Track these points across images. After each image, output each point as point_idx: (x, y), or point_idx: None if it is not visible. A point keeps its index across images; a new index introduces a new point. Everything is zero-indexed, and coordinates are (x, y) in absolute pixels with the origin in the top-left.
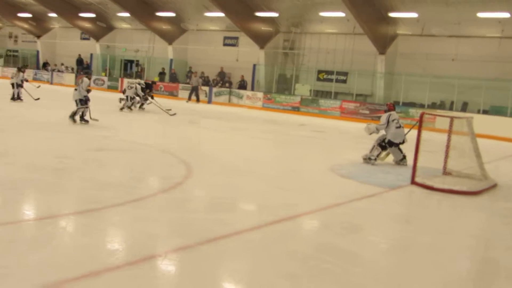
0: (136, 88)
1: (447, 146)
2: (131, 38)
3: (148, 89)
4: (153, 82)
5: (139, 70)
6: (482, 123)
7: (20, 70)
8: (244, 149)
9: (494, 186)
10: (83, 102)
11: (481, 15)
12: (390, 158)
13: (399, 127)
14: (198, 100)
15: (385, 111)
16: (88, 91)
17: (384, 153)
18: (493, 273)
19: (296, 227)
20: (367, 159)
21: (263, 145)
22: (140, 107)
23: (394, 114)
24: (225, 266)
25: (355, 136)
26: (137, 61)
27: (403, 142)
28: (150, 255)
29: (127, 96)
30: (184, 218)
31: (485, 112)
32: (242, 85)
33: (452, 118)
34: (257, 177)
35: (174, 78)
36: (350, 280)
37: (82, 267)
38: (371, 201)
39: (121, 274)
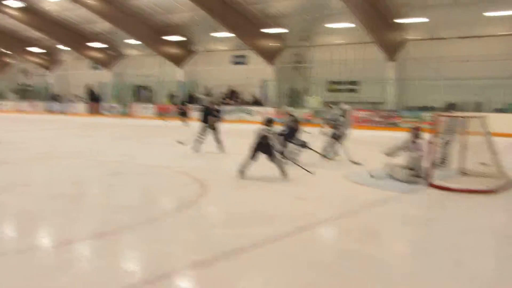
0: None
1: (462, 146)
2: (141, 64)
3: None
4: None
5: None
6: (498, 121)
7: None
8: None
9: None
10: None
11: (488, 14)
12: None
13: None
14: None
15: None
16: None
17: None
18: None
19: (314, 236)
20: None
21: None
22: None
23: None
24: (244, 279)
25: (368, 143)
26: (148, 86)
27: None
28: (167, 273)
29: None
30: (200, 235)
31: (500, 110)
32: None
33: (465, 118)
34: (275, 190)
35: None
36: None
37: None
38: (388, 205)
39: None
